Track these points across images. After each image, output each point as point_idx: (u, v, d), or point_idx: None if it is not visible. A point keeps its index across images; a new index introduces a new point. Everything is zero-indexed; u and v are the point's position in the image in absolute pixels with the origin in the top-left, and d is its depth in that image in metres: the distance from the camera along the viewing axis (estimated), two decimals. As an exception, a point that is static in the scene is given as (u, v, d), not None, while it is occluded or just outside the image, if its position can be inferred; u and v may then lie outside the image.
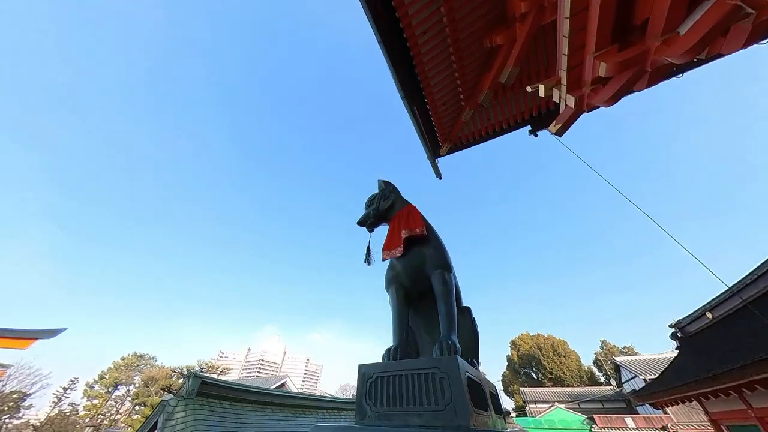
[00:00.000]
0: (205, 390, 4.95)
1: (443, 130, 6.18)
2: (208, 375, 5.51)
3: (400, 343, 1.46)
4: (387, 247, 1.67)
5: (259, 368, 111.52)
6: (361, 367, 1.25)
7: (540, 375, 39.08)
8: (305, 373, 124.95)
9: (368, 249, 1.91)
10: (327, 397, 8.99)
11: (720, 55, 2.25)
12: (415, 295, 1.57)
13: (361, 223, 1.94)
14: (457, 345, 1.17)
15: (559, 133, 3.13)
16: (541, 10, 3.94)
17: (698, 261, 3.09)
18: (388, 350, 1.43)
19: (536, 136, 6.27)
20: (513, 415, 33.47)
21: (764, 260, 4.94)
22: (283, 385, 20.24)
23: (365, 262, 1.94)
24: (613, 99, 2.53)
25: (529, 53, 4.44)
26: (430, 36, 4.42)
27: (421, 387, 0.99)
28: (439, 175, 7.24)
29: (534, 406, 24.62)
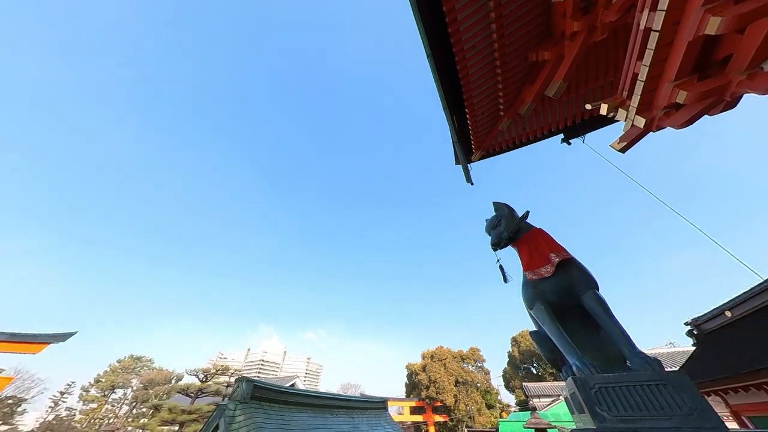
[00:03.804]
0: (257, 393, 5.09)
1: (478, 138, 6.37)
2: (260, 378, 5.64)
3: (584, 358, 1.54)
4: (530, 267, 1.84)
5: (260, 369, 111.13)
6: (576, 378, 1.42)
7: (541, 370, 40.05)
8: (306, 373, 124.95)
9: (502, 267, 2.10)
10: (359, 397, 9.21)
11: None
12: (559, 312, 1.76)
13: (496, 245, 2.11)
14: (657, 359, 1.37)
15: (623, 150, 3.35)
16: (591, 31, 4.16)
17: (738, 260, 3.36)
18: (585, 364, 1.52)
19: (569, 144, 6.53)
20: (516, 409, 34.32)
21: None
22: (293, 385, 20.42)
23: (504, 281, 2.12)
24: (688, 123, 2.75)
25: (576, 70, 4.65)
26: (478, 50, 4.59)
27: (655, 396, 1.16)
28: (470, 180, 7.44)
29: (537, 400, 25.27)
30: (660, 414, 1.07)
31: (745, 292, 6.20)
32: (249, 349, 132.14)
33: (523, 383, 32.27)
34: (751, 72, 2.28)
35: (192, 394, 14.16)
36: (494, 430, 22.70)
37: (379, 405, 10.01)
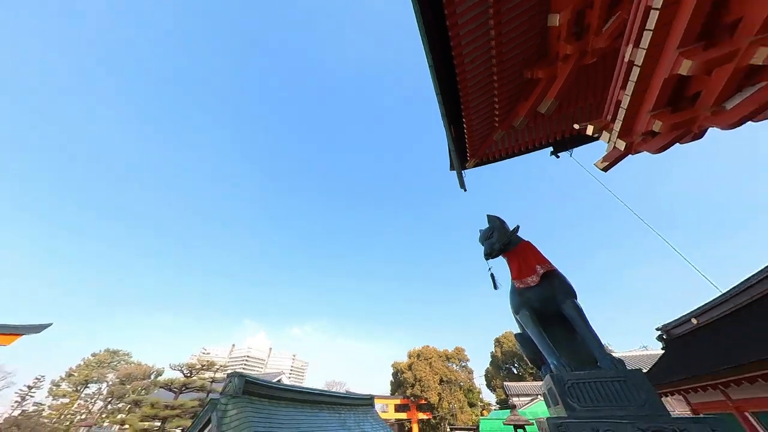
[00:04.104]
0: (249, 388, 5.14)
1: (473, 147, 6.62)
2: (248, 374, 5.69)
3: (561, 358, 1.81)
4: (518, 276, 2.05)
5: (245, 365, 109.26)
6: (553, 375, 1.64)
7: (521, 370, 41.37)
8: (292, 370, 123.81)
9: (493, 275, 2.30)
10: (347, 394, 9.34)
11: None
12: (542, 317, 1.98)
13: (488, 255, 2.32)
14: (621, 360, 1.59)
15: (605, 169, 3.64)
16: (583, 54, 4.45)
17: (701, 273, 3.73)
18: (561, 364, 1.76)
19: (558, 157, 6.89)
20: (496, 407, 35.37)
21: (749, 275, 5.84)
22: (278, 381, 20.30)
23: (494, 287, 2.32)
24: (662, 149, 3.05)
25: (567, 90, 4.94)
26: (478, 65, 4.81)
27: (617, 389, 1.39)
28: (463, 186, 7.69)
29: (517, 399, 26.16)
30: (619, 404, 1.29)
31: (708, 302, 6.78)
32: (233, 345, 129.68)
33: (504, 383, 33.29)
34: (715, 109, 2.57)
35: (176, 390, 13.84)
36: (475, 427, 23.36)
37: (367, 402, 10.18)
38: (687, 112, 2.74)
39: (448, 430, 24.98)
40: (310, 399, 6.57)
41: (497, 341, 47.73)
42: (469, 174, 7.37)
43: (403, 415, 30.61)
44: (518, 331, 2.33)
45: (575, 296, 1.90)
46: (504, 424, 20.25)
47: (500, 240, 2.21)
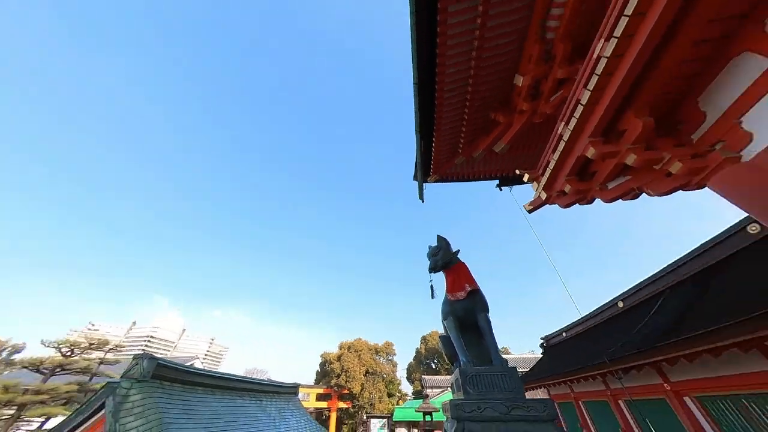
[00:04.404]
0: (160, 372, 4.60)
1: (437, 164, 7.27)
2: (162, 357, 5.07)
3: (470, 357, 2.31)
4: (452, 290, 2.50)
5: (147, 346, 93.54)
6: (460, 369, 2.09)
7: (439, 366, 46.41)
8: (207, 354, 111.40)
9: (432, 287, 2.71)
10: (270, 382, 9.08)
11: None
12: (462, 325, 2.47)
13: (431, 270, 2.72)
14: (506, 360, 2.16)
15: (530, 211, 4.55)
16: (534, 113, 5.39)
17: (572, 300, 5.03)
18: (468, 361, 2.26)
19: (501, 190, 8.07)
20: (411, 397, 38.95)
21: (602, 304, 7.94)
22: (191, 366, 18.30)
23: (431, 297, 2.74)
24: (566, 206, 4.01)
25: (519, 137, 5.88)
26: (455, 95, 5.36)
27: (501, 381, 1.89)
28: (422, 197, 8.33)
29: (431, 390, 29.42)
30: (499, 390, 1.84)
31: (573, 322, 9.07)
32: (134, 323, 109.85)
33: (422, 376, 36.94)
34: (602, 186, 3.55)
35: (46, 370, 11.04)
36: (390, 415, 25.39)
37: (291, 390, 10.15)
38: (586, 184, 3.70)
39: (365, 417, 26.53)
40: (229, 385, 6.25)
41: (423, 339, 52.39)
42: (429, 188, 8.02)
43: (323, 404, 31.10)
44: (443, 333, 2.84)
45: (488, 311, 2.48)
46: (416, 411, 22.57)
47: (443, 258, 2.67)
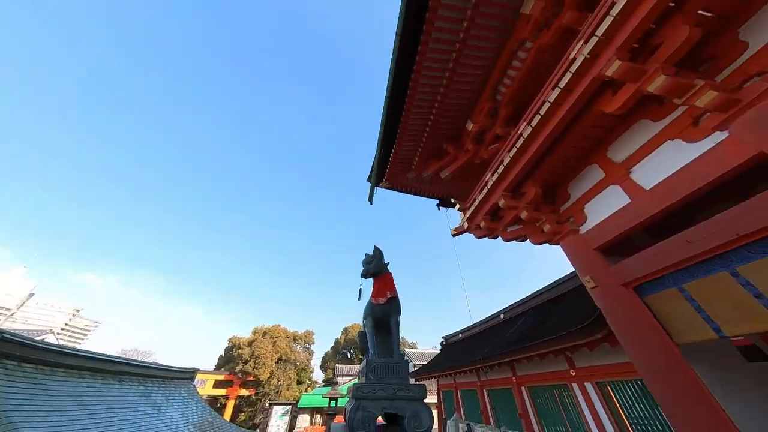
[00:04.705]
0: (3, 349, 3.52)
1: (391, 174, 7.77)
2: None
3: (378, 350, 2.75)
4: (376, 295, 2.91)
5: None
6: (367, 360, 2.48)
7: (354, 356, 48.52)
8: (66, 328, 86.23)
9: (361, 290, 3.07)
10: (156, 365, 7.91)
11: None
12: (377, 324, 2.93)
13: (363, 275, 3.07)
14: (404, 354, 2.64)
15: (454, 235, 5.50)
16: (475, 154, 6.43)
17: (469, 309, 6.30)
18: (375, 353, 2.69)
19: (439, 209, 9.17)
20: (321, 384, 39.62)
21: (490, 314, 10.00)
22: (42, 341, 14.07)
23: (358, 299, 3.07)
24: (479, 237, 5.04)
25: (461, 170, 6.88)
26: (418, 118, 5.93)
27: (396, 369, 2.40)
28: (371, 199, 8.75)
29: (342, 378, 30.64)
30: (393, 376, 2.38)
31: (466, 326, 11.24)
32: (-62, 275, 76.26)
33: (336, 365, 38.05)
34: (504, 227, 4.63)
35: None
36: (295, 401, 25.32)
37: (185, 376, 9.17)
38: (495, 224, 4.75)
39: (267, 405, 25.72)
40: (103, 367, 5.22)
41: (345, 330, 53.77)
42: (380, 192, 8.49)
43: (221, 391, 28.64)
44: (361, 329, 3.28)
45: (400, 315, 3.04)
46: (323, 397, 23.17)
47: (375, 268, 3.10)
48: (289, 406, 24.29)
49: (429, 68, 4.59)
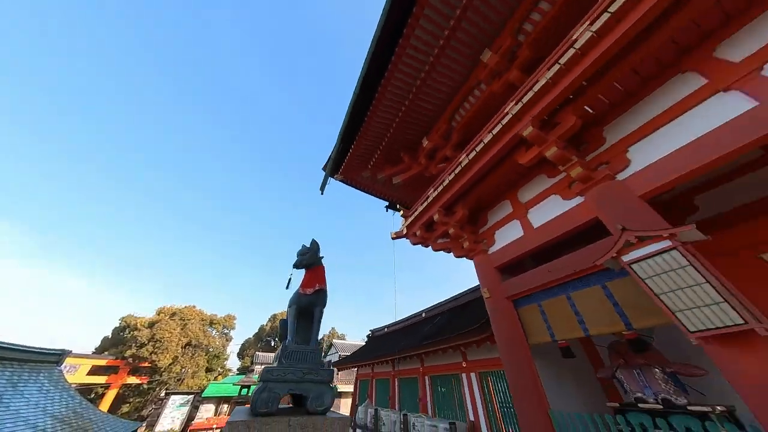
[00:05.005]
0: None
1: (347, 168, 7.83)
2: None
3: (295, 337, 2.82)
4: (305, 286, 2.99)
5: None
6: (283, 346, 2.53)
7: (276, 344, 46.33)
8: None
9: (290, 279, 3.08)
10: (2, 343, 6.07)
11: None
12: (302, 313, 3.04)
13: (296, 266, 3.09)
14: (319, 343, 2.83)
15: (393, 238, 5.95)
16: (426, 169, 7.05)
17: (395, 306, 6.91)
18: (292, 340, 2.75)
19: (387, 211, 9.63)
20: (236, 372, 36.59)
21: (415, 312, 11.05)
22: None
23: (286, 287, 3.06)
24: (413, 244, 5.61)
25: (412, 179, 7.41)
26: (381, 123, 6.18)
27: (310, 356, 2.55)
28: (323, 189, 8.61)
29: (260, 366, 28.99)
30: (305, 361, 2.55)
31: (392, 322, 12.24)
32: None
33: (256, 352, 35.75)
34: (434, 240, 5.28)
35: None
36: (200, 390, 22.86)
37: (46, 358, 7.38)
38: (428, 234, 5.36)
39: (163, 394, 22.46)
40: None
41: (273, 317, 50.85)
42: (333, 185, 8.44)
43: (100, 379, 23.71)
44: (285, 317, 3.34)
45: (324, 306, 3.22)
46: (234, 385, 21.55)
47: (309, 260, 3.19)
48: (191, 396, 21.77)
49: (398, 80, 4.87)
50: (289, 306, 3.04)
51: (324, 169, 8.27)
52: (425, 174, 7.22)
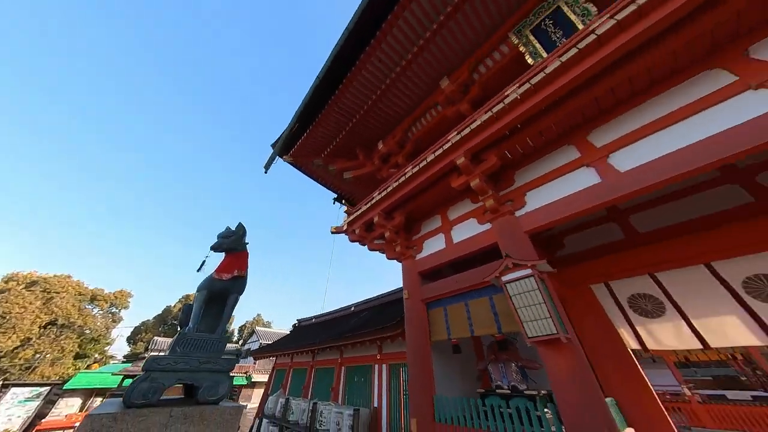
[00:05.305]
0: None
1: (297, 152, 7.44)
2: None
3: (198, 323, 2.55)
4: (222, 271, 2.73)
5: None
6: (182, 333, 2.26)
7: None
8: None
9: (204, 262, 2.75)
10: None
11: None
12: (212, 298, 2.79)
13: (215, 248, 2.79)
14: (227, 332, 2.65)
15: (332, 232, 5.99)
16: (378, 170, 7.28)
17: (325, 297, 6.98)
18: (193, 327, 2.46)
19: (334, 203, 9.54)
20: (120, 360, 30.31)
21: (345, 305, 11.28)
22: None
23: (198, 270, 2.72)
24: (351, 241, 5.77)
25: (363, 177, 7.54)
26: (342, 115, 6.11)
27: (213, 345, 2.38)
28: (267, 168, 7.98)
29: (157, 353, 24.86)
30: (204, 350, 2.39)
31: (320, 313, 12.33)
32: None
33: (154, 337, 30.45)
34: (371, 240, 5.54)
35: None
36: (61, 381, 18.28)
37: None
38: (367, 234, 5.59)
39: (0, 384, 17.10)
40: None
41: (185, 297, 44.13)
42: (281, 166, 7.89)
43: None
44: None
45: (241, 294, 3.07)
46: (114, 375, 17.98)
47: (231, 244, 2.96)
48: (45, 388, 17.22)
49: (365, 78, 4.93)
50: (198, 290, 2.79)
51: (273, 146, 7.69)
52: (377, 175, 7.45)
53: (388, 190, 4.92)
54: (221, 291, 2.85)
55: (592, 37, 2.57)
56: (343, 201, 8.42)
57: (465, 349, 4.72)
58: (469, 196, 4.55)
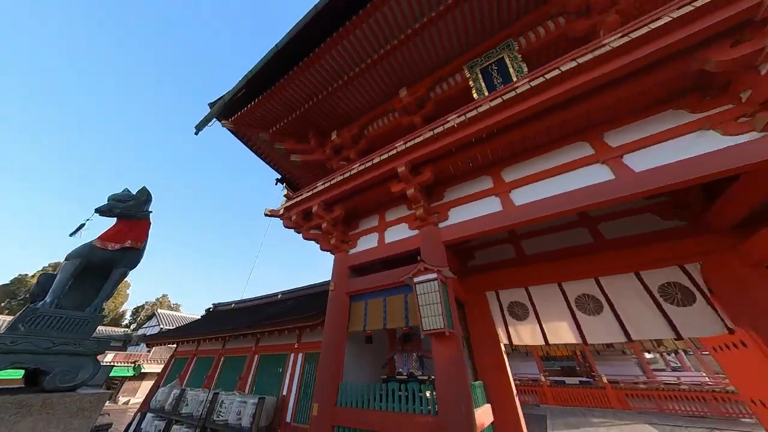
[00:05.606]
0: None
1: (240, 119, 6.67)
2: None
3: (59, 298, 2.01)
4: (108, 239, 2.21)
5: None
6: (33, 309, 1.71)
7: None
8: None
9: (82, 226, 2.18)
10: None
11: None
12: (87, 270, 2.26)
13: (103, 211, 2.24)
14: (101, 310, 2.20)
15: (265, 215, 5.63)
16: (328, 160, 7.13)
17: (245, 287, 6.46)
18: (52, 303, 1.92)
19: (276, 185, 8.92)
20: None
21: (272, 292, 10.69)
22: None
23: (71, 234, 2.12)
24: (285, 227, 5.54)
25: (310, 163, 7.27)
26: (300, 92, 5.77)
27: (80, 325, 1.93)
28: (199, 130, 6.94)
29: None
30: (64, 332, 1.98)
31: (246, 298, 11.44)
32: None
33: (-5, 313, 22.63)
34: (307, 230, 5.44)
35: None
36: None
37: None
38: (303, 223, 5.46)
39: None
40: None
41: (52, 265, 34.19)
42: (218, 131, 6.95)
43: None
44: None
45: (131, 269, 2.63)
46: None
47: (129, 209, 2.48)
48: None
49: (328, 63, 4.80)
50: (68, 258, 2.28)
51: (211, 106, 6.72)
52: (327, 164, 7.30)
53: (332, 182, 4.93)
54: (103, 262, 2.39)
55: (512, 93, 3.17)
56: (285, 184, 7.98)
57: (377, 339, 5.12)
58: (405, 202, 4.94)
